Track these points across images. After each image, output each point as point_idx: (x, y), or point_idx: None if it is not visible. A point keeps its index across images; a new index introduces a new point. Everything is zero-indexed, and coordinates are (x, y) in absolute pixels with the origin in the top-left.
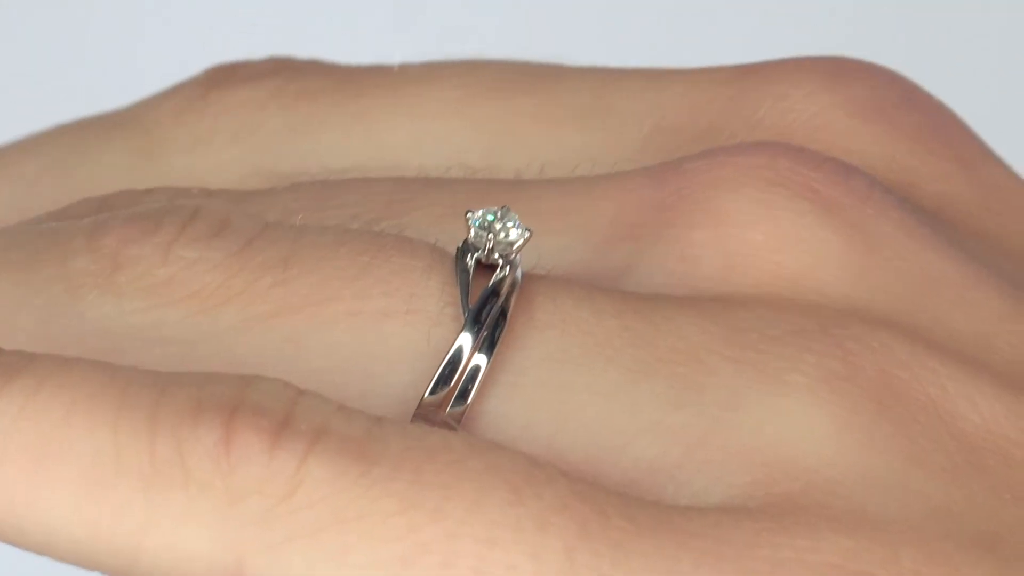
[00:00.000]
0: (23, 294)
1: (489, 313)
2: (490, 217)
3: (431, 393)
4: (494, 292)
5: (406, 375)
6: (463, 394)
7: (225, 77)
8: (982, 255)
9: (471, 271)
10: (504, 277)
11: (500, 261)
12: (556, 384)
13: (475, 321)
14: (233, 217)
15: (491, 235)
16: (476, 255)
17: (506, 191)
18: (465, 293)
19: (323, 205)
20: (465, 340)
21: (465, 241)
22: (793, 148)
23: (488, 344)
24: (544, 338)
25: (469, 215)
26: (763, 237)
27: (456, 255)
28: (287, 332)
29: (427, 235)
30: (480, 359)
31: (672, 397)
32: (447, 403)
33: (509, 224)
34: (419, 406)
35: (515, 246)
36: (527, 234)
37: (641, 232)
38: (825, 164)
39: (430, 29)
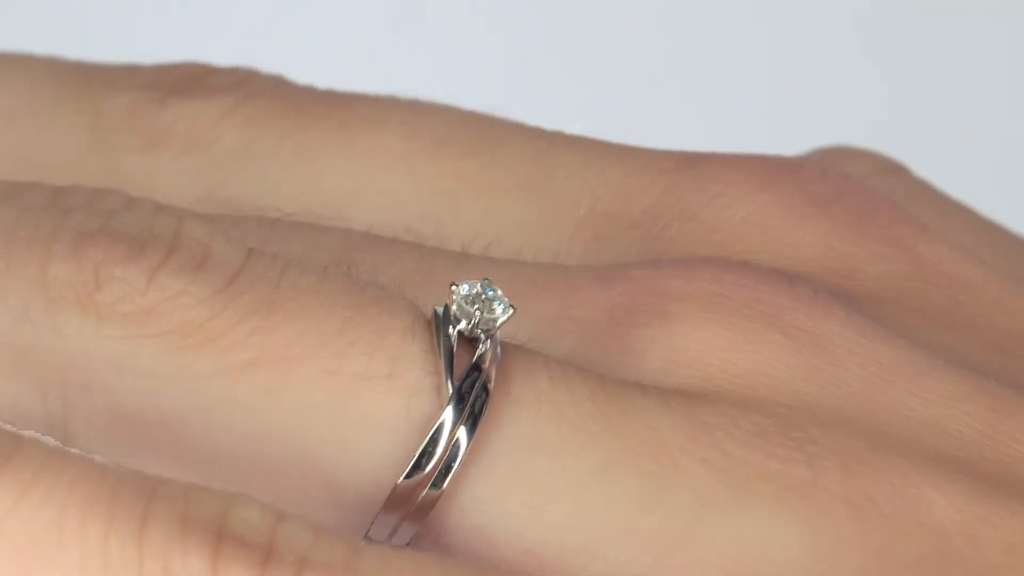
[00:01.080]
0: None
1: (472, 390)
2: (476, 290)
3: (408, 475)
4: (476, 367)
5: (382, 446)
6: (441, 475)
7: (185, 84)
8: (929, 334)
9: (455, 343)
10: (486, 352)
11: (482, 335)
12: (529, 472)
13: (459, 399)
14: (215, 245)
15: (476, 309)
16: (459, 327)
17: (450, 268)
18: (449, 367)
19: (266, 248)
20: (448, 417)
21: (447, 311)
22: (736, 264)
23: (470, 423)
24: (520, 418)
25: (455, 287)
26: (711, 337)
27: (437, 322)
28: (263, 384)
29: None
30: (461, 438)
31: (643, 498)
32: (424, 485)
33: (495, 301)
34: (395, 488)
35: (498, 323)
36: (511, 311)
37: (586, 327)
38: (769, 276)
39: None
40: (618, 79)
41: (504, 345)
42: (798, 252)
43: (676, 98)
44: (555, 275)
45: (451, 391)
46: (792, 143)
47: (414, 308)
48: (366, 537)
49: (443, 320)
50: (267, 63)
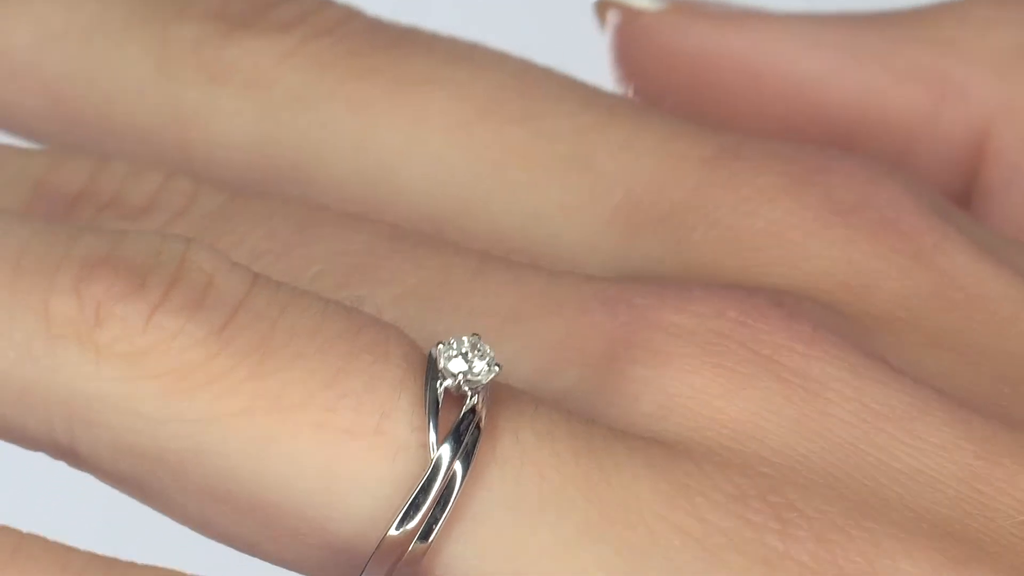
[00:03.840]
0: (2, 322)
1: (458, 448)
2: (464, 351)
3: (396, 528)
4: (462, 425)
5: (368, 501)
6: (426, 530)
7: (252, 16)
8: (934, 362)
9: (440, 399)
10: (472, 409)
11: (468, 392)
12: (509, 535)
13: (439, 463)
14: (219, 276)
15: (461, 371)
16: (445, 383)
17: (468, 280)
18: (435, 425)
19: (290, 252)
20: (433, 475)
21: (435, 367)
22: (739, 296)
23: (456, 482)
24: (504, 479)
25: (441, 347)
26: (704, 382)
27: (426, 378)
28: (256, 432)
29: (385, 313)
30: (446, 496)
31: (618, 568)
32: (409, 540)
33: (480, 361)
34: (381, 543)
35: (483, 383)
36: (496, 369)
37: (586, 360)
38: (770, 313)
39: None
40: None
41: (494, 394)
42: (814, 266)
43: None
44: (565, 292)
45: (436, 451)
46: None
47: (407, 356)
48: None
49: (431, 375)
50: None
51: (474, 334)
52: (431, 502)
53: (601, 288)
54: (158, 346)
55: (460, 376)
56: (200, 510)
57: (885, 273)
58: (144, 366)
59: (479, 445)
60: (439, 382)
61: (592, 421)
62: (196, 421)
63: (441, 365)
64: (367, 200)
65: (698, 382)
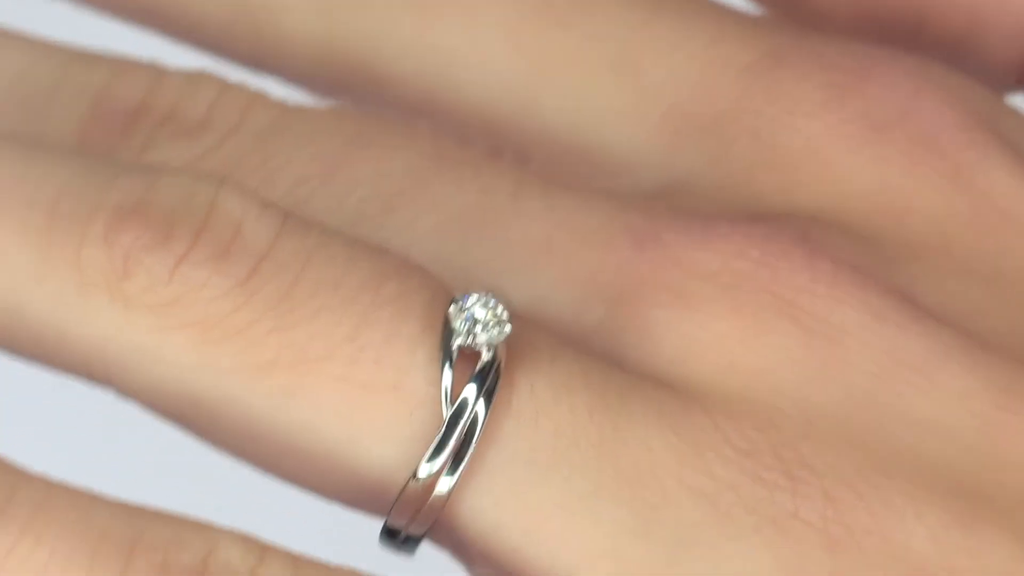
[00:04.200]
0: (38, 271)
1: (473, 403)
2: (476, 315)
3: (415, 478)
4: (478, 379)
5: (388, 452)
6: (444, 482)
7: None
8: (964, 295)
9: (455, 356)
10: (487, 365)
11: (484, 348)
12: (524, 489)
13: (458, 414)
14: (247, 222)
15: (476, 328)
16: (459, 342)
17: (504, 209)
18: (450, 382)
19: (335, 175)
20: (449, 430)
21: (449, 326)
22: (763, 234)
23: (471, 437)
24: (519, 433)
25: (454, 307)
26: (724, 328)
27: (442, 335)
28: (281, 384)
29: (422, 244)
30: (464, 449)
31: (630, 526)
32: (429, 491)
33: (493, 323)
34: (403, 490)
35: (495, 343)
36: (508, 330)
37: (613, 297)
38: (792, 252)
39: None
40: None
41: (511, 346)
42: (850, 187)
43: None
44: (597, 221)
45: (451, 407)
46: None
47: (429, 304)
48: (384, 527)
49: (447, 333)
50: None
51: (488, 293)
52: (446, 457)
53: (632, 220)
54: (184, 297)
55: (474, 335)
56: (236, 447)
57: (920, 195)
58: (171, 317)
59: (495, 399)
60: (454, 340)
61: (610, 370)
62: (224, 371)
63: (456, 325)
64: (429, 100)
65: (718, 328)
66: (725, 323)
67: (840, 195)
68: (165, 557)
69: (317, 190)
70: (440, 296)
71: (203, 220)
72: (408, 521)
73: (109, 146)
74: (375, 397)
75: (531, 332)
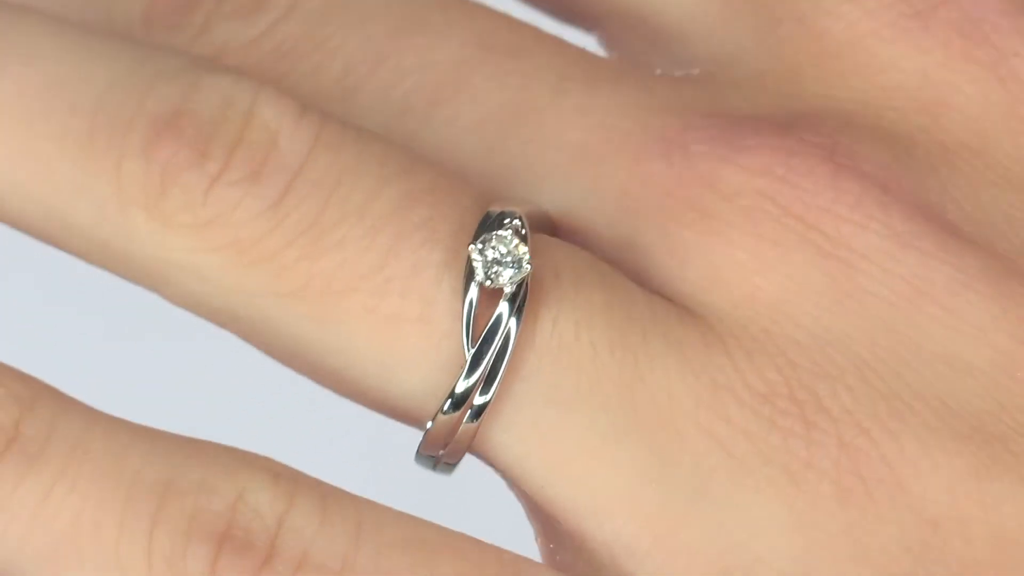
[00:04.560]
0: (80, 182)
1: (493, 338)
2: (495, 254)
3: (443, 411)
4: (497, 320)
5: (418, 381)
6: (474, 414)
7: None
8: (997, 205)
9: (476, 299)
10: (511, 298)
11: (506, 286)
12: (547, 428)
13: (480, 351)
14: (283, 133)
15: (495, 269)
16: (479, 280)
17: (543, 107)
18: (470, 320)
19: (383, 63)
20: (474, 362)
21: (471, 267)
22: (789, 148)
23: (497, 369)
24: (541, 371)
25: (472, 249)
26: (745, 256)
27: (464, 275)
28: (312, 310)
29: (464, 141)
30: (492, 380)
31: (648, 469)
32: (459, 422)
33: (512, 262)
34: (433, 421)
35: (516, 282)
36: (527, 270)
37: (642, 211)
38: (817, 170)
39: None
40: None
41: (536, 274)
42: (888, 79)
43: None
44: (631, 124)
45: (473, 346)
46: None
47: (457, 231)
48: (418, 452)
49: (468, 274)
50: None
51: (511, 227)
52: (472, 387)
53: (665, 125)
54: (219, 219)
55: (495, 274)
56: (278, 358)
57: (958, 88)
58: (207, 239)
59: (518, 334)
60: (475, 279)
61: (633, 301)
62: (258, 294)
63: (476, 267)
64: None
65: (739, 256)
66: (745, 251)
67: (879, 88)
68: (195, 504)
69: (365, 79)
70: (469, 217)
71: (239, 133)
72: (439, 450)
73: (171, 24)
74: (402, 328)
75: (557, 254)
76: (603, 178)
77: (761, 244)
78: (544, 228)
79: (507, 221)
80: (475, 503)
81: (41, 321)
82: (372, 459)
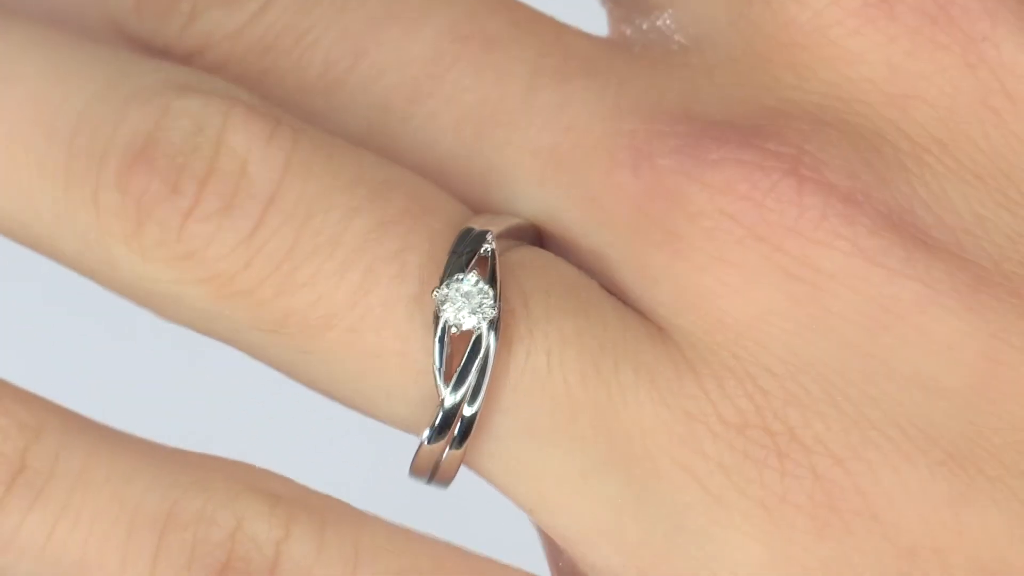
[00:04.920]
0: (62, 211)
1: (468, 375)
2: (458, 296)
3: (429, 442)
4: (472, 355)
5: (401, 411)
6: (457, 442)
7: None
8: (965, 207)
9: (447, 337)
10: (480, 339)
11: (477, 327)
12: (528, 463)
13: (459, 382)
14: (251, 162)
15: (461, 313)
16: (448, 321)
17: (516, 106)
18: (441, 360)
19: (361, 59)
20: (452, 401)
21: (436, 312)
22: (754, 162)
23: (473, 406)
24: (517, 403)
25: (437, 296)
26: (712, 281)
27: (434, 315)
28: (293, 344)
29: (442, 141)
30: (468, 411)
31: (628, 504)
32: (443, 450)
33: (477, 304)
34: (420, 447)
35: (482, 326)
36: (492, 313)
37: (614, 223)
38: (781, 185)
39: None
40: None
41: (506, 302)
42: (856, 71)
43: None
44: (603, 129)
45: (447, 384)
46: None
47: (427, 260)
48: (408, 472)
49: (437, 314)
50: None
51: (473, 272)
52: (452, 425)
53: (634, 130)
54: (196, 253)
55: (459, 318)
56: (276, 370)
57: (926, 77)
58: (188, 270)
59: (491, 370)
60: (441, 320)
61: (605, 325)
62: (242, 327)
63: (444, 318)
64: None
65: (706, 281)
66: (712, 276)
67: (849, 81)
68: (195, 535)
69: (345, 75)
70: (441, 243)
71: (209, 163)
72: (429, 476)
73: (161, 12)
74: (380, 362)
75: (528, 279)
76: (575, 187)
77: (726, 268)
78: (527, 237)
79: (483, 248)
80: (480, 500)
81: (41, 322)
82: (372, 459)
